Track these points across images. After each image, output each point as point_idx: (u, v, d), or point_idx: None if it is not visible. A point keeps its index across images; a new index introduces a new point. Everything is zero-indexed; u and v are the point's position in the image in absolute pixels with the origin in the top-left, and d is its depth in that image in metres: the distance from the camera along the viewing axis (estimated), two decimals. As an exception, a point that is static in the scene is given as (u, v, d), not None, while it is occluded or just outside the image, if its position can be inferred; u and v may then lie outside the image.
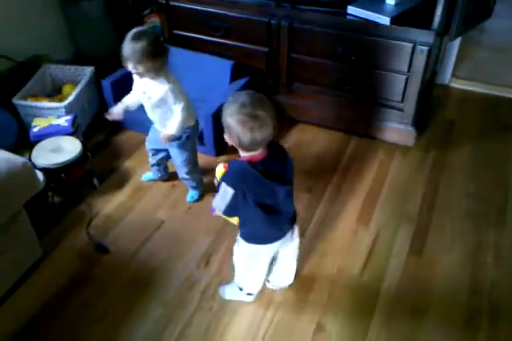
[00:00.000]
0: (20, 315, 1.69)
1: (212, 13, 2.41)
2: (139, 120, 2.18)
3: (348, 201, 2.14)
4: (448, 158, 2.37)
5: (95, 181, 2.20)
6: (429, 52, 2.08)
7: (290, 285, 1.78)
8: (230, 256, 1.87)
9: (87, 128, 2.54)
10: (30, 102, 2.36)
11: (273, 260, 1.62)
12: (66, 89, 2.56)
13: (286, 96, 2.54)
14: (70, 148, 2.11)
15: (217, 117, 2.19)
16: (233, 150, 2.31)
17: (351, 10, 2.17)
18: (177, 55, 2.45)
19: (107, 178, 2.25)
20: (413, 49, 2.10)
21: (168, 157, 2.08)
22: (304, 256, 1.88)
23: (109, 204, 2.12)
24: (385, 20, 2.08)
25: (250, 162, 1.32)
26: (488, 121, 2.61)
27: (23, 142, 2.31)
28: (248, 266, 1.60)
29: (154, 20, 2.81)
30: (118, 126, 2.52)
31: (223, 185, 1.34)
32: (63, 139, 2.15)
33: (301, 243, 1.64)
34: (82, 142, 2.15)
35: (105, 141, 2.49)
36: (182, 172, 2.06)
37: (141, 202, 2.14)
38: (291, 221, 1.53)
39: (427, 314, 1.69)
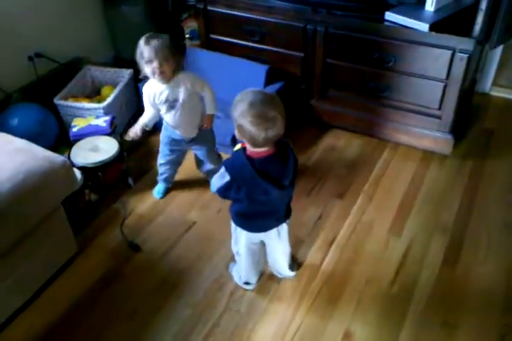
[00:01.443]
0: (53, 309, 1.74)
1: (249, 18, 2.43)
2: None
3: (380, 210, 2.11)
4: (486, 167, 2.30)
5: (130, 180, 2.25)
6: (469, 59, 2.04)
7: (293, 276, 1.82)
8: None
9: (124, 129, 2.60)
10: (71, 102, 2.43)
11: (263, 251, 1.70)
12: (105, 90, 2.63)
13: (320, 101, 2.53)
14: (107, 147, 2.16)
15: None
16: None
17: (389, 16, 2.15)
18: (212, 58, 2.50)
19: (142, 178, 2.29)
20: (452, 56, 2.06)
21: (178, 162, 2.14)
22: (333, 264, 1.88)
23: (143, 204, 2.16)
24: (423, 26, 2.05)
25: (251, 157, 1.36)
26: (529, 131, 2.54)
27: (63, 141, 2.40)
28: (236, 250, 1.69)
29: (192, 24, 2.86)
30: (154, 128, 2.56)
31: (223, 169, 1.40)
32: (101, 139, 2.21)
33: (290, 244, 1.71)
34: (119, 142, 2.21)
35: (141, 142, 2.53)
36: (214, 166, 2.09)
37: (174, 202, 2.17)
38: (280, 218, 1.56)
39: (458, 328, 1.65)
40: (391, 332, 1.65)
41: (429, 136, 2.35)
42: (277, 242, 1.63)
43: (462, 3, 2.18)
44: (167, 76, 1.77)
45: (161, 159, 2.12)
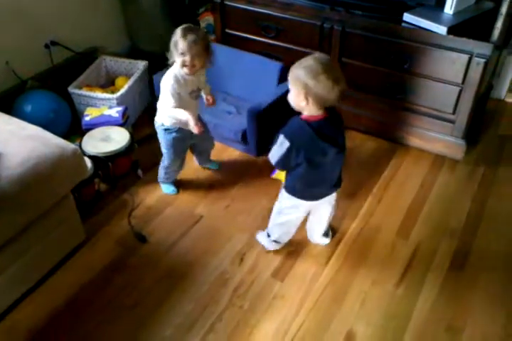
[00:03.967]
0: (58, 296, 1.75)
1: (266, 14, 2.42)
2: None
3: (389, 212, 2.09)
4: (498, 174, 2.28)
5: (140, 172, 2.25)
6: (486, 64, 2.01)
7: (327, 244, 1.92)
8: (265, 255, 1.89)
9: (137, 120, 2.61)
10: (85, 92, 2.44)
11: (306, 217, 1.80)
12: (119, 81, 2.64)
13: (334, 101, 2.52)
14: (118, 138, 2.17)
15: (261, 117, 2.22)
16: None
17: (407, 17, 2.13)
18: (227, 53, 2.49)
19: (151, 170, 2.29)
20: (469, 60, 2.04)
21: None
22: (339, 264, 1.87)
23: (151, 196, 2.17)
24: (441, 29, 2.03)
25: (308, 120, 1.46)
26: (544, 139, 2.51)
27: (75, 129, 2.41)
28: (281, 216, 1.75)
29: (208, 19, 2.86)
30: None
31: (281, 137, 1.48)
32: (113, 129, 2.22)
33: (336, 210, 1.81)
34: (130, 133, 2.21)
35: (152, 134, 2.50)
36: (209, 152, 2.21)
37: (182, 195, 2.17)
38: (334, 186, 1.66)
39: (462, 333, 1.64)
40: (394, 334, 1.64)
41: (442, 140, 2.34)
42: (326, 210, 1.76)
43: (482, 7, 2.16)
44: (196, 70, 1.79)
45: (170, 164, 2.07)
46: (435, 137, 2.34)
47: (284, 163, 1.53)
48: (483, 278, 1.81)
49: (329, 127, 1.49)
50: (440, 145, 2.36)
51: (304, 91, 1.42)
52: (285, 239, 1.87)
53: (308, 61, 1.43)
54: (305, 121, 1.47)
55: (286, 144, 1.47)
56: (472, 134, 2.39)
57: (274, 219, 1.80)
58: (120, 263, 1.87)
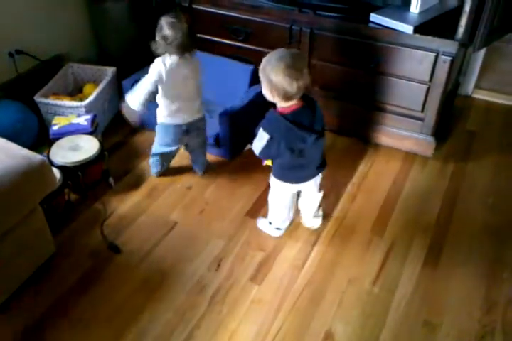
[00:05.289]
0: (31, 312, 1.70)
1: (234, 17, 2.41)
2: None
3: (362, 210, 2.11)
4: (467, 170, 2.33)
5: (111, 180, 2.22)
6: (452, 62, 2.05)
7: (318, 227, 2.01)
8: (242, 260, 1.88)
9: (106, 128, 2.57)
10: (52, 100, 2.39)
11: (297, 200, 1.91)
12: (87, 88, 2.59)
13: (304, 102, 2.53)
14: (88, 147, 2.13)
15: (234, 120, 2.22)
16: (247, 155, 2.35)
17: (374, 18, 2.15)
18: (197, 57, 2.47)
19: (123, 178, 2.26)
20: (436, 59, 2.07)
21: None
22: (315, 264, 1.88)
23: (124, 204, 2.13)
24: (407, 28, 2.06)
25: (284, 112, 1.57)
26: (511, 133, 2.57)
27: (43, 139, 2.35)
28: (276, 202, 1.88)
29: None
30: (136, 127, 2.54)
31: (260, 130, 1.60)
32: (82, 138, 2.18)
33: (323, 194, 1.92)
34: (100, 141, 2.17)
35: (123, 141, 2.51)
36: (204, 153, 2.23)
37: (156, 202, 2.15)
38: (318, 168, 1.77)
39: (439, 328, 1.66)
40: (372, 331, 1.65)
41: (412, 137, 2.37)
42: (313, 191, 1.86)
43: (447, 6, 2.19)
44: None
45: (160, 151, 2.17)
46: (405, 135, 2.37)
47: (266, 153, 1.65)
48: (458, 273, 1.84)
49: (305, 116, 1.58)
50: (410, 143, 2.39)
51: (268, 84, 1.52)
52: (286, 225, 1.96)
53: (272, 55, 1.53)
54: (280, 112, 1.57)
55: (266, 136, 1.58)
56: (441, 131, 2.43)
57: (272, 208, 1.92)
58: (94, 275, 1.83)
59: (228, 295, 1.76)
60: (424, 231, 2.01)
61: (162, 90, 1.93)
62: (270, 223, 1.97)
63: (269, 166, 1.80)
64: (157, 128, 2.09)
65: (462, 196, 2.18)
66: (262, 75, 1.54)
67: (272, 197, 1.89)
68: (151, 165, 2.24)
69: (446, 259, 1.89)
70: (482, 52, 2.65)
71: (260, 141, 1.61)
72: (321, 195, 1.91)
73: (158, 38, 1.84)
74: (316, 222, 2.01)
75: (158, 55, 1.88)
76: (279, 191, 1.84)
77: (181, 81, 1.91)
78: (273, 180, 1.82)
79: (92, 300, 1.74)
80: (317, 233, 2.01)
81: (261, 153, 1.66)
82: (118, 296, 1.76)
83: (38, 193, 1.67)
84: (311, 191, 1.87)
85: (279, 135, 1.57)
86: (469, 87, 2.83)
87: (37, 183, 1.64)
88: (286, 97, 1.53)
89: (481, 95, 2.83)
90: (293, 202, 1.89)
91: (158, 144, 2.14)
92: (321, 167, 1.78)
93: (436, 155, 2.38)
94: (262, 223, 2.02)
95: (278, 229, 1.97)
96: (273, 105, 1.64)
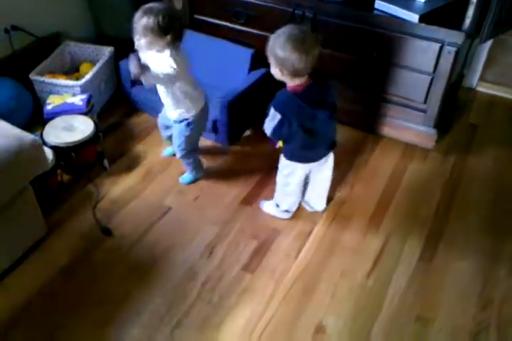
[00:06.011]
0: (20, 292, 1.67)
1: (236, -1, 2.35)
2: (153, 103, 2.15)
3: (360, 201, 2.08)
4: (468, 163, 2.29)
5: (105, 163, 2.17)
6: (457, 53, 2.00)
7: (324, 210, 2.00)
8: (235, 248, 1.85)
9: (102, 108, 2.52)
10: (47, 79, 2.33)
11: (306, 182, 1.88)
12: (84, 67, 2.54)
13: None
14: (82, 127, 2.08)
15: (232, 106, 2.17)
16: (247, 142, 2.31)
17: (379, 5, 2.09)
18: (196, 39, 2.40)
19: (118, 161, 2.22)
20: (440, 49, 2.02)
21: None
22: (309, 256, 1.85)
23: (117, 187, 2.10)
24: (413, 17, 2.00)
25: (295, 91, 1.55)
26: (514, 127, 2.53)
27: (37, 118, 2.30)
28: (285, 182, 1.85)
29: (177, 4, 2.76)
30: (133, 109, 2.49)
31: (272, 110, 1.57)
32: (76, 118, 2.13)
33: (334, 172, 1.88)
34: (95, 122, 2.13)
35: (119, 122, 2.46)
36: (177, 155, 2.04)
37: (150, 187, 2.11)
38: (329, 147, 1.76)
39: (432, 324, 1.64)
40: (364, 325, 1.63)
41: (413, 129, 2.33)
42: (324, 170, 1.84)
43: (454, -5, 2.14)
44: (142, 48, 1.74)
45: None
46: (406, 126, 2.33)
47: (278, 133, 1.62)
48: (453, 268, 1.82)
49: (316, 93, 1.57)
50: (411, 134, 2.35)
51: (275, 61, 1.50)
52: (295, 207, 1.95)
53: (280, 32, 1.50)
54: (291, 91, 1.56)
55: (278, 116, 1.56)
56: (443, 123, 2.39)
57: (281, 190, 1.89)
58: (85, 258, 1.80)
59: (219, 284, 1.74)
60: (421, 224, 1.99)
61: (182, 80, 1.79)
62: (278, 205, 1.94)
63: (280, 148, 1.77)
64: (190, 124, 1.92)
65: (462, 189, 2.15)
66: (270, 53, 1.51)
67: (282, 179, 1.86)
68: (195, 169, 2.09)
69: (442, 254, 1.87)
70: (487, 45, 2.60)
71: (272, 121, 1.59)
72: (331, 177, 1.89)
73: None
74: (320, 205, 2.00)
75: None
76: (291, 172, 1.80)
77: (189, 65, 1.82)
78: (284, 162, 1.79)
79: (80, 284, 1.72)
80: (313, 223, 1.98)
81: (272, 133, 1.63)
82: (106, 281, 1.73)
83: (28, 173, 1.63)
84: (322, 171, 1.84)
85: (291, 114, 1.56)
86: (473, 79, 2.78)
87: (27, 163, 1.59)
88: (295, 74, 1.50)
89: (485, 88, 2.78)
90: (302, 184, 1.87)
91: (195, 140, 2.02)
92: (331, 147, 1.77)
93: (437, 147, 2.34)
94: (267, 206, 1.99)
95: (287, 211, 1.95)
96: (275, 89, 1.60)
